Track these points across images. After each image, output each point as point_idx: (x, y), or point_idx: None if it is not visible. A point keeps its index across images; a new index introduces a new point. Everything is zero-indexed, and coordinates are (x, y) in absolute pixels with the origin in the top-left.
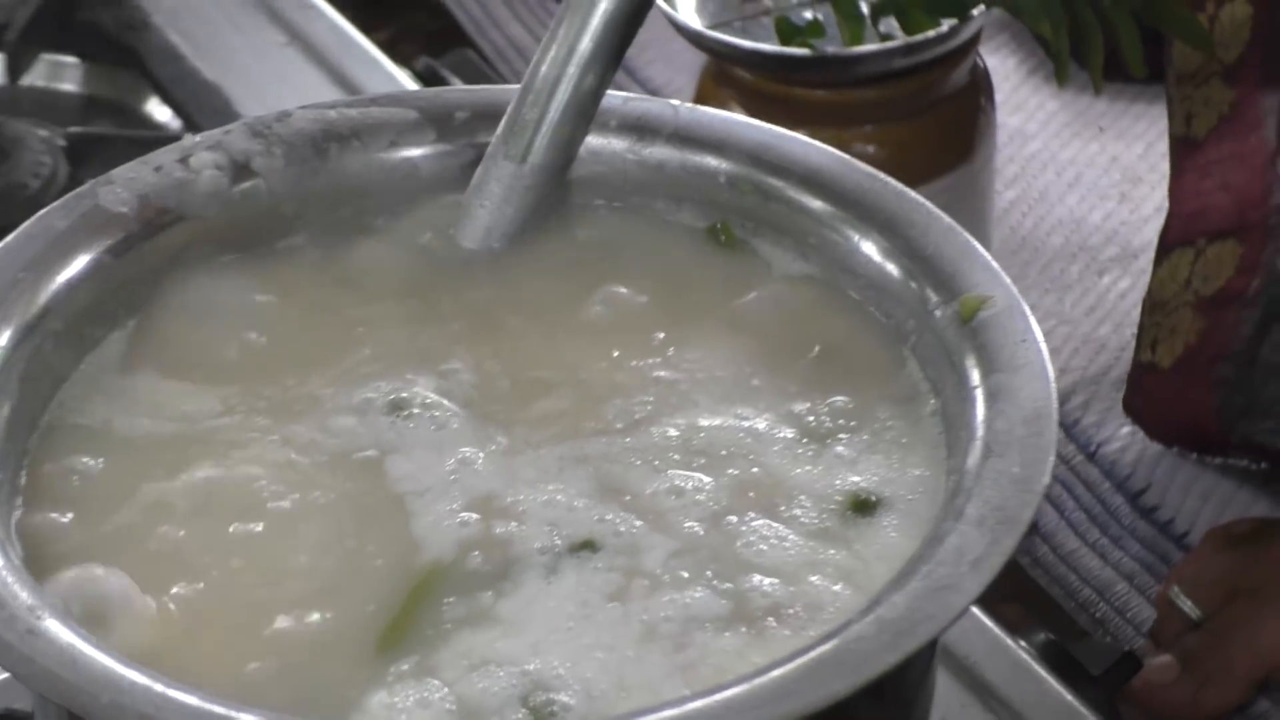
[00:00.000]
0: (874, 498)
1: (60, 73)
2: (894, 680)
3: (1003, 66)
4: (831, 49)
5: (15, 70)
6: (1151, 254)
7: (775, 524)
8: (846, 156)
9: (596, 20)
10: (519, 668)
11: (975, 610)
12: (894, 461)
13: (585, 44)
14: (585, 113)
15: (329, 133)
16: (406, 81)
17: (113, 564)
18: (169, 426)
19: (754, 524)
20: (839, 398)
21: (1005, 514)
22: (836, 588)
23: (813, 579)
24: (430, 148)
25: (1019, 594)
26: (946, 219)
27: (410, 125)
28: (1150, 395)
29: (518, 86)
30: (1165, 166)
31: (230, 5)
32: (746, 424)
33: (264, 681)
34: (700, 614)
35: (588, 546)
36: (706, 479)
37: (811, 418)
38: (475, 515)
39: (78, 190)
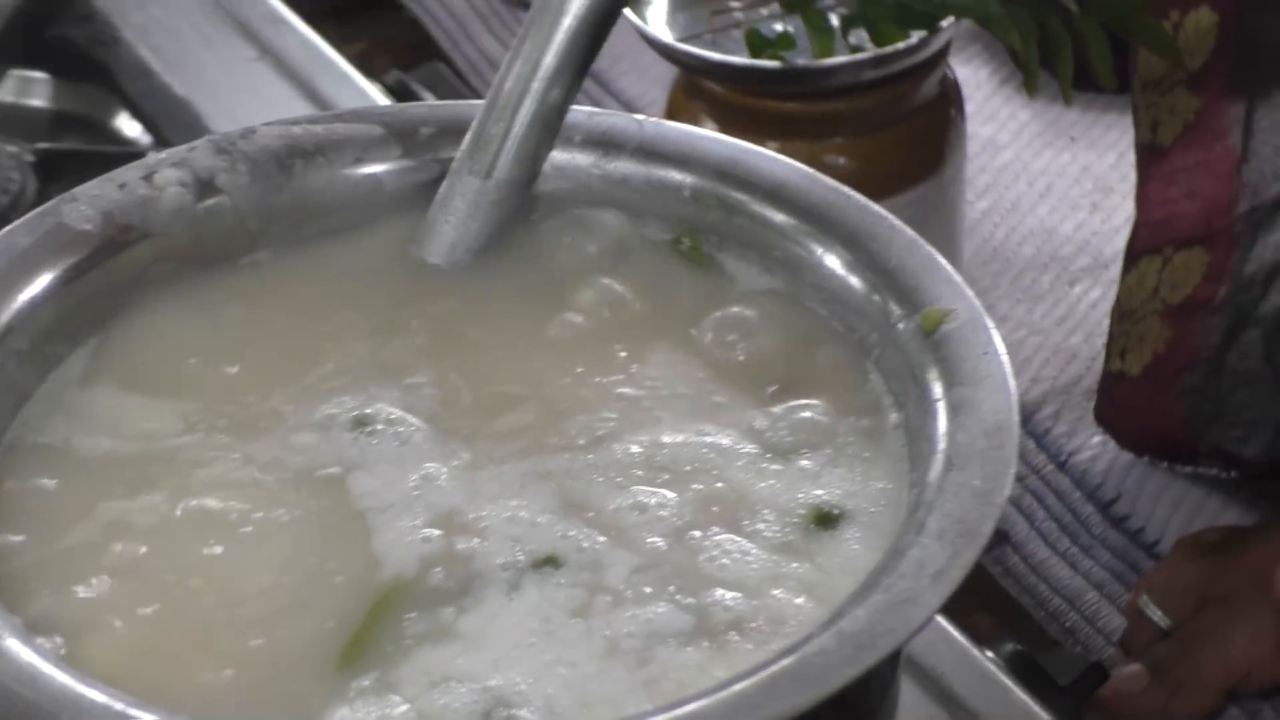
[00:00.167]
0: (837, 511)
1: (29, 88)
2: (856, 692)
3: (974, 77)
4: (801, 61)
5: None
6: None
7: (738, 538)
8: (811, 170)
9: (560, 35)
10: (480, 684)
11: (943, 621)
12: (857, 475)
13: (549, 59)
14: (550, 127)
15: (294, 149)
16: (377, 96)
17: (69, 584)
18: (130, 445)
19: (717, 539)
20: (803, 412)
21: (966, 527)
22: (799, 601)
23: (775, 592)
24: (395, 163)
25: (990, 604)
26: (909, 232)
27: (375, 141)
28: (1120, 404)
29: (482, 102)
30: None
31: (201, 20)
32: (709, 439)
33: (224, 698)
34: (663, 629)
35: (550, 562)
36: (670, 494)
37: (775, 432)
38: (438, 531)
39: (42, 208)
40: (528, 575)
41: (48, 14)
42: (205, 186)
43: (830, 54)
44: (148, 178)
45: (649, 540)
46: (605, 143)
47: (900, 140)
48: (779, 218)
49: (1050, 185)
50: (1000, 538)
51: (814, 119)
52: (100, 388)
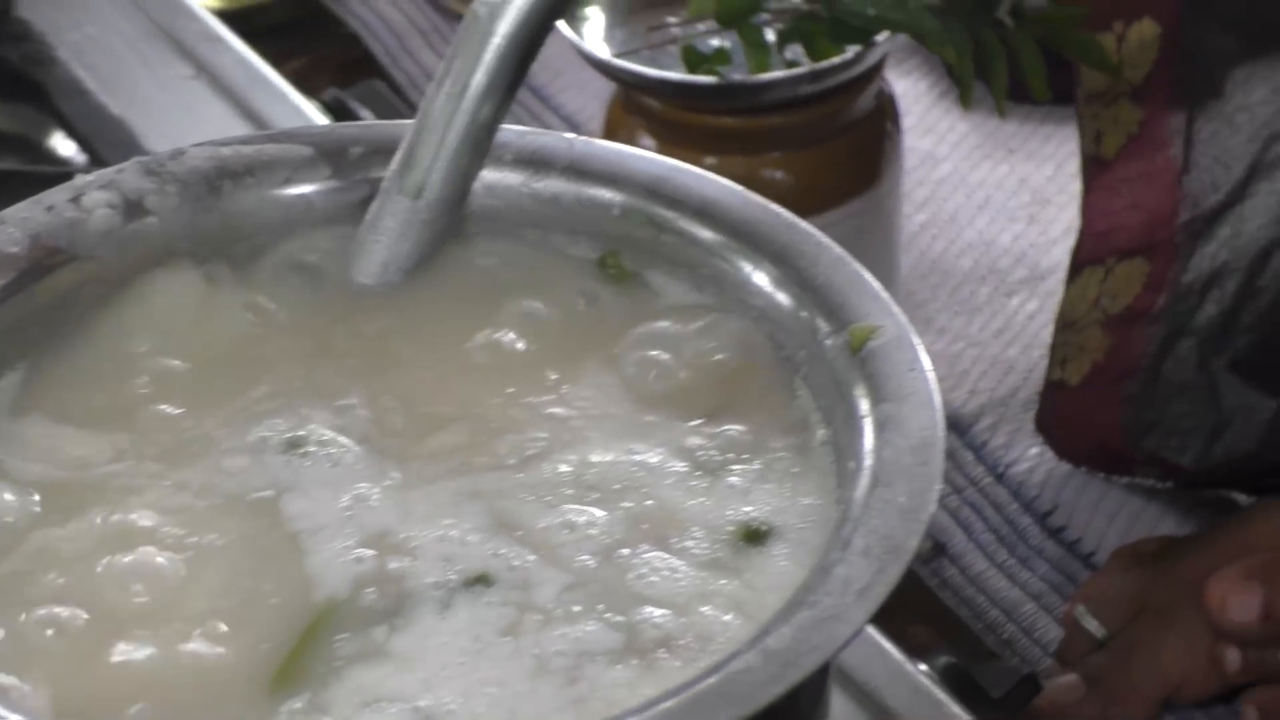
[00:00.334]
0: (765, 527)
1: None
2: (785, 708)
3: (913, 90)
4: (738, 76)
5: None
6: (1060, 275)
7: (667, 556)
8: (739, 188)
9: (490, 54)
10: (411, 704)
11: (876, 635)
12: (786, 491)
13: (479, 77)
14: (480, 146)
15: (223, 170)
16: (314, 113)
17: None
18: (60, 473)
19: (646, 556)
20: (732, 429)
21: (891, 543)
22: (727, 618)
23: (704, 610)
24: (325, 184)
25: (927, 616)
26: (837, 249)
27: (305, 161)
28: (1059, 413)
29: (413, 121)
30: (1074, 188)
31: (136, 39)
32: (638, 458)
33: None
34: (592, 647)
35: (481, 581)
36: (599, 513)
37: (704, 450)
38: (370, 551)
39: None
40: (459, 594)
41: None
42: (134, 208)
43: (766, 69)
44: (76, 200)
45: (579, 558)
46: (535, 161)
47: (837, 154)
48: (707, 235)
49: (988, 197)
50: (938, 549)
51: (751, 133)
52: (30, 414)
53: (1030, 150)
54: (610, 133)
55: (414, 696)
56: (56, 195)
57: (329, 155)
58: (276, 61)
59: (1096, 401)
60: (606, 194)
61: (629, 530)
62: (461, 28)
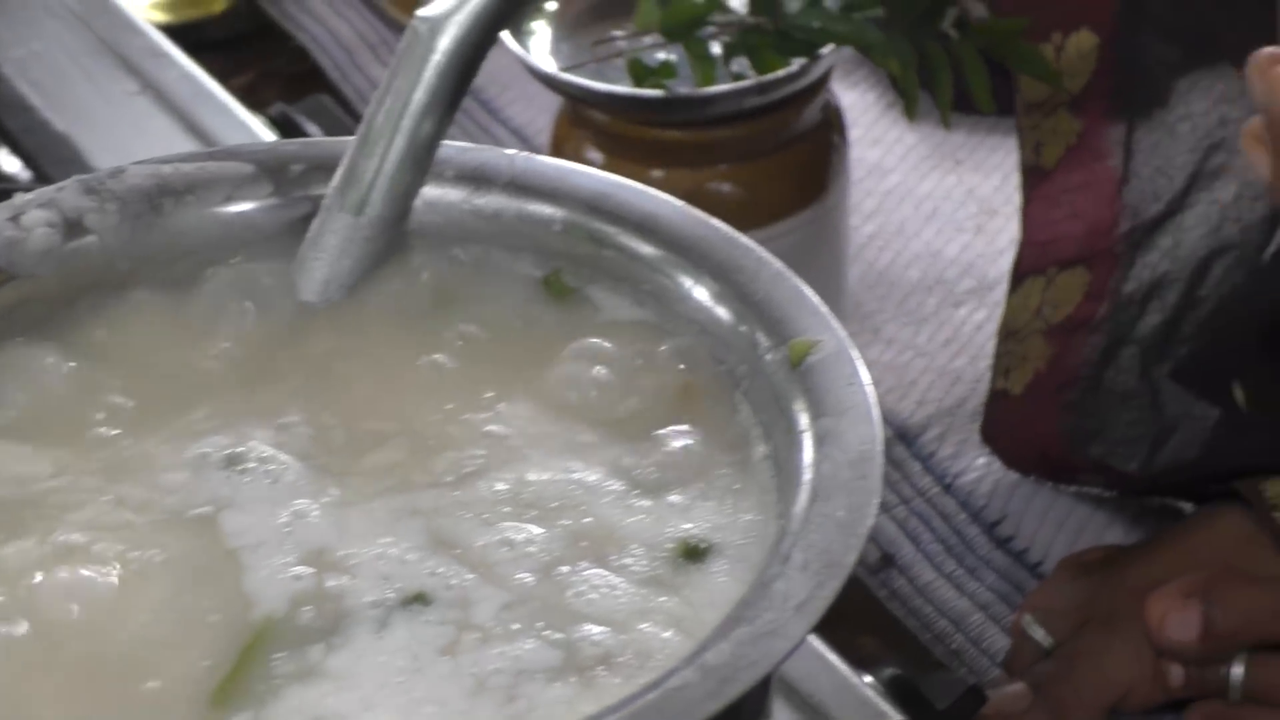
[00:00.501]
0: (704, 544)
1: None
2: None
3: (861, 101)
4: (684, 90)
5: None
6: (1006, 285)
7: (606, 573)
8: (681, 203)
9: (430, 71)
10: None
11: (821, 647)
12: (726, 507)
13: (419, 94)
14: (421, 163)
15: (164, 188)
16: (260, 129)
17: None
18: (0, 490)
19: (585, 574)
20: (672, 445)
21: (830, 558)
22: (666, 635)
23: (643, 626)
24: (266, 201)
25: (876, 627)
26: (776, 264)
27: (246, 179)
28: (1003, 422)
29: (353, 138)
30: (1020, 198)
31: (81, 55)
32: (577, 475)
33: None
34: (531, 665)
35: (419, 599)
36: (538, 530)
37: (643, 466)
38: (308, 569)
39: None
40: (396, 613)
41: None
42: (74, 227)
43: (712, 82)
44: (15, 219)
45: (517, 576)
46: (477, 178)
47: (784, 167)
48: (648, 250)
49: (936, 208)
50: (886, 560)
51: (697, 146)
52: None
53: (977, 161)
54: (557, 146)
55: (352, 715)
56: None
57: (270, 172)
58: (225, 76)
59: (1039, 410)
60: (548, 210)
61: (568, 548)
62: (402, 44)
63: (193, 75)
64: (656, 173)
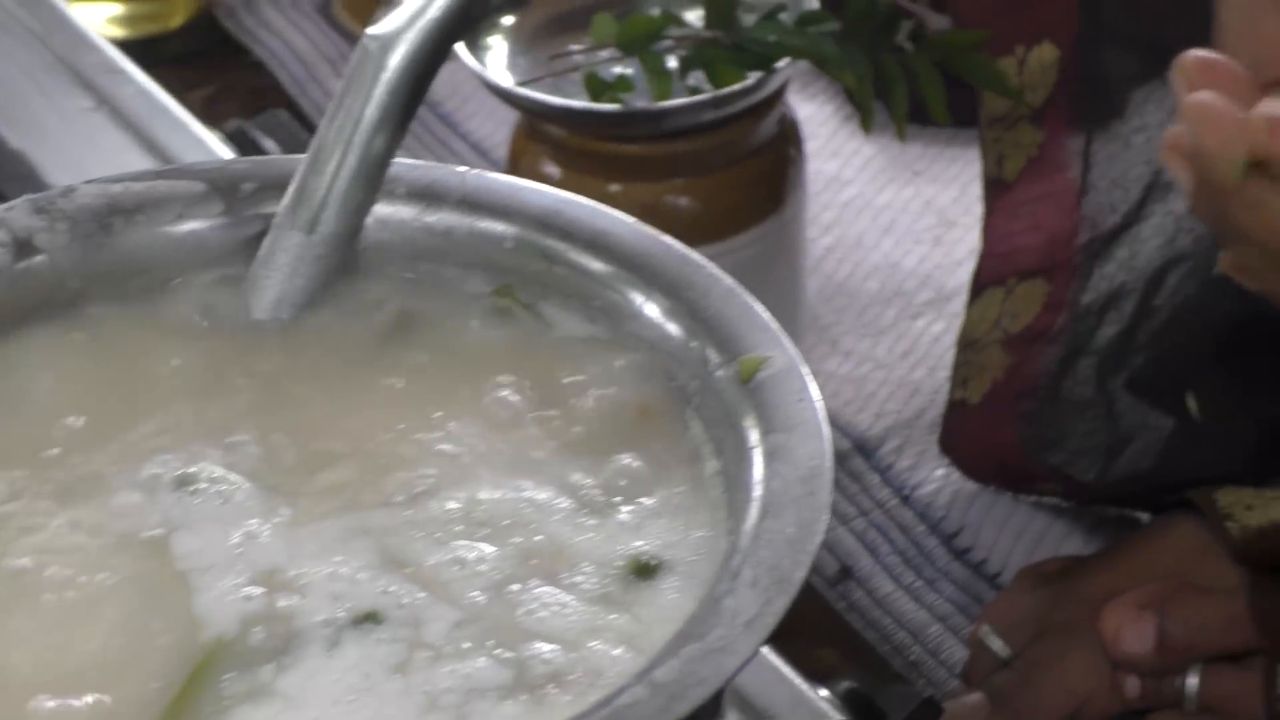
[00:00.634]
0: (655, 561)
1: None
2: None
3: (819, 114)
4: (641, 104)
5: None
6: (964, 297)
7: (557, 591)
8: (632, 220)
9: (380, 88)
10: None
11: (776, 660)
12: (677, 524)
13: (370, 112)
14: (373, 180)
15: (114, 207)
16: (217, 144)
17: None
18: None
19: (536, 592)
20: (624, 462)
21: (779, 574)
22: (617, 652)
23: (593, 644)
24: (218, 219)
25: (835, 639)
26: (727, 280)
27: (197, 197)
28: (961, 432)
29: (305, 156)
30: (979, 210)
31: (37, 71)
32: (528, 494)
33: None
34: (482, 684)
35: (371, 618)
36: (489, 549)
37: (595, 484)
38: (259, 589)
39: None
40: (347, 632)
41: None
42: (23, 246)
43: (669, 96)
44: None
45: (468, 595)
46: (428, 195)
47: (741, 179)
48: (599, 267)
49: (894, 220)
50: (844, 573)
51: (655, 160)
52: None
53: (935, 173)
54: (515, 160)
55: None
56: None
57: (221, 191)
58: (183, 91)
59: (997, 419)
60: (499, 227)
61: (519, 566)
62: (352, 62)
63: (149, 91)
64: (614, 186)
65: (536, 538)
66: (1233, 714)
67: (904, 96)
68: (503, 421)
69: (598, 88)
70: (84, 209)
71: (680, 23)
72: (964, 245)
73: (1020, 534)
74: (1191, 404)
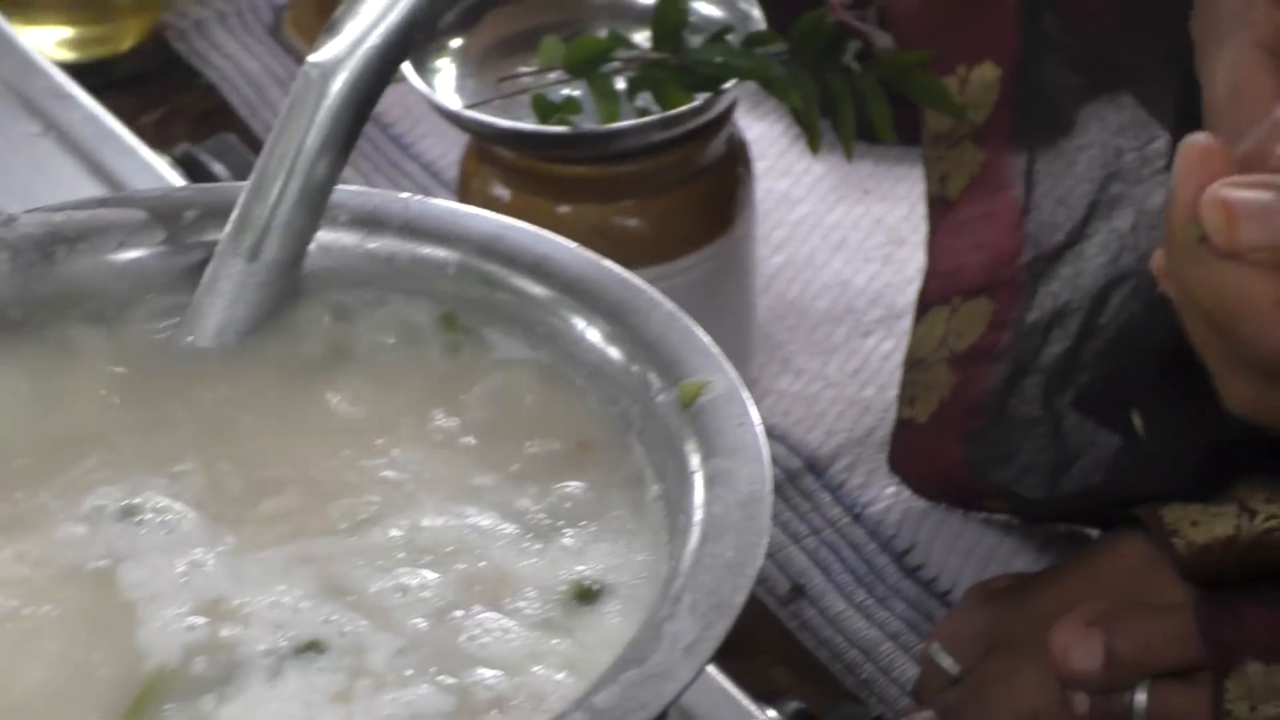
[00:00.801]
0: (597, 586)
1: None
2: None
3: (769, 133)
4: (589, 125)
5: None
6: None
7: (500, 617)
8: (574, 245)
9: (322, 115)
10: None
11: (724, 681)
12: (619, 548)
13: (312, 138)
14: (316, 206)
15: (56, 235)
16: (165, 169)
17: None
18: None
19: (479, 617)
20: (567, 487)
21: (718, 599)
22: (559, 676)
23: (536, 669)
24: (160, 247)
25: (788, 658)
26: (668, 305)
27: (139, 226)
28: (910, 450)
29: (247, 183)
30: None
31: None
32: (471, 520)
33: None
34: (424, 710)
35: (313, 647)
36: (432, 575)
37: (537, 509)
38: (202, 619)
39: None
40: (289, 661)
41: None
42: None
43: (616, 118)
44: None
45: (411, 621)
46: (371, 221)
47: (690, 200)
48: (541, 292)
49: (844, 238)
50: (797, 591)
51: (604, 182)
52: None
53: (885, 191)
54: (465, 182)
55: None
56: None
57: (163, 219)
58: (133, 114)
59: (944, 438)
60: (441, 253)
61: (462, 592)
62: (294, 89)
63: (97, 116)
64: (563, 208)
65: (480, 564)
66: None
67: (851, 116)
68: (446, 447)
69: (546, 110)
70: (26, 238)
71: (628, 44)
72: (914, 263)
73: (970, 551)
74: (1137, 422)
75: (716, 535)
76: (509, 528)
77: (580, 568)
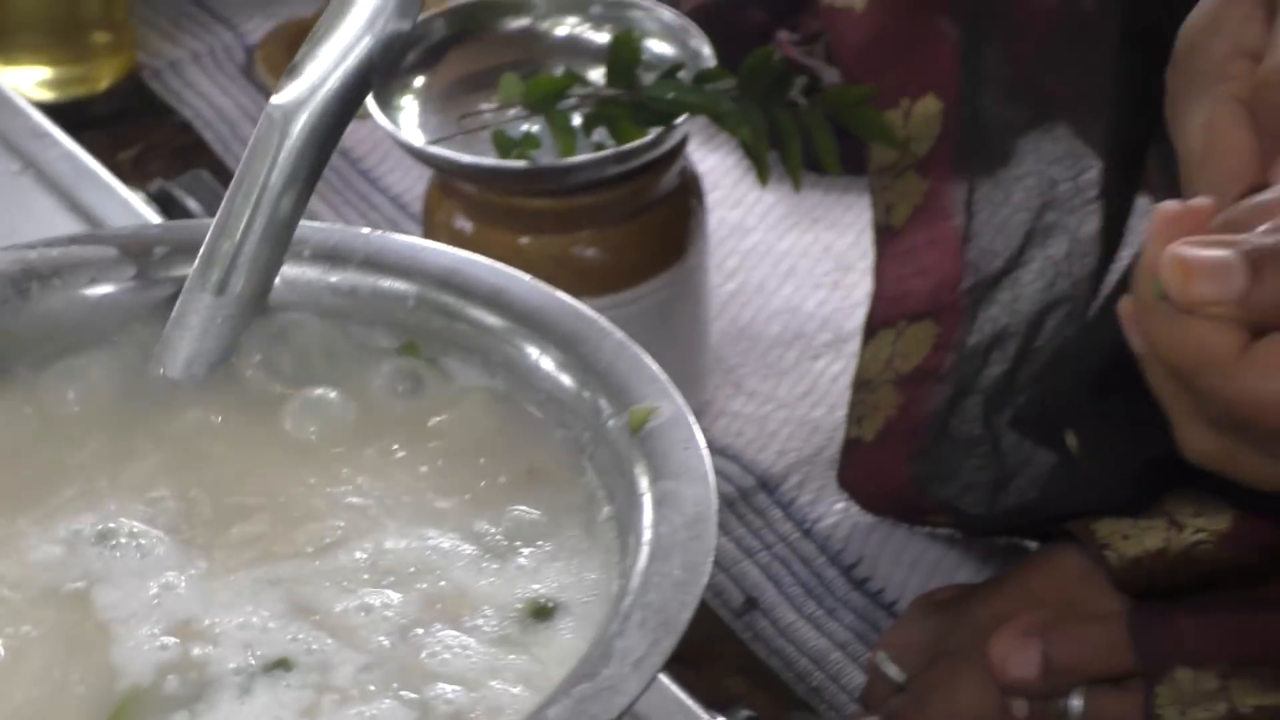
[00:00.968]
0: (551, 604)
1: None
2: None
3: (722, 164)
4: (547, 160)
5: None
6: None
7: (459, 634)
8: (528, 277)
9: (285, 154)
10: None
11: (676, 690)
12: (573, 568)
13: (275, 177)
14: (280, 242)
15: (29, 272)
16: (141, 205)
17: None
18: None
19: (440, 635)
20: (522, 510)
21: (665, 616)
22: (516, 690)
23: (494, 684)
24: (131, 283)
25: (742, 667)
26: (618, 334)
27: (110, 262)
28: (858, 468)
29: (214, 220)
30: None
31: None
32: (432, 543)
33: None
34: None
35: (281, 665)
36: (395, 595)
37: (495, 531)
38: (174, 639)
39: None
40: (259, 678)
41: None
42: None
43: (573, 152)
44: None
45: (375, 639)
46: (333, 256)
47: (645, 230)
48: (497, 322)
49: (794, 265)
50: (750, 604)
51: (562, 214)
52: None
53: (833, 219)
54: (429, 215)
55: None
56: None
57: (134, 255)
58: (110, 151)
59: (890, 456)
60: (401, 286)
61: (423, 611)
62: (258, 129)
63: (75, 154)
64: (524, 240)
65: (441, 583)
66: None
67: (798, 149)
68: (407, 473)
69: (506, 145)
70: (1, 275)
71: (584, 82)
72: (861, 289)
73: (915, 564)
74: (1071, 441)
75: (664, 554)
76: (468, 549)
77: (536, 586)
